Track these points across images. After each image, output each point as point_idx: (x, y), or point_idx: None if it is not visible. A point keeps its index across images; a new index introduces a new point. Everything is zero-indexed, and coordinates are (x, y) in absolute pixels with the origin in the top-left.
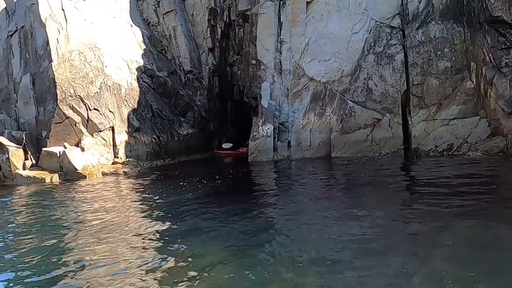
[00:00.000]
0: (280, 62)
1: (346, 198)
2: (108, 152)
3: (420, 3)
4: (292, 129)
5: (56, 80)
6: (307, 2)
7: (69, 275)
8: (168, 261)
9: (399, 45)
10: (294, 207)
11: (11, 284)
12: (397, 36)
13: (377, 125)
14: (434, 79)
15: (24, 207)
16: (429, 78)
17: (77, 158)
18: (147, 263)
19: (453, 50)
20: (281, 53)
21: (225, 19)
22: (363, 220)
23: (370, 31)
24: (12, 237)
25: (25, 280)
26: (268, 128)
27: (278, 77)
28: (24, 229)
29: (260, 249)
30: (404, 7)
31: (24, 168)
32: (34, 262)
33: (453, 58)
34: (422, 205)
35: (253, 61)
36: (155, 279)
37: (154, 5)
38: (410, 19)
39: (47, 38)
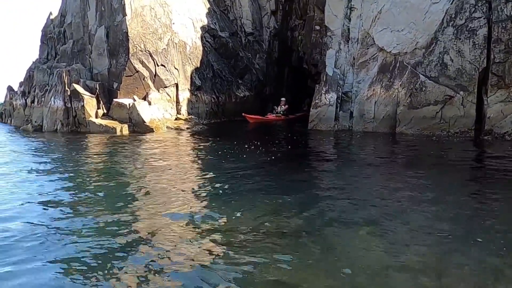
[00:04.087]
0: (348, 29)
1: (413, 175)
2: (171, 108)
3: None
4: (355, 99)
5: (129, 35)
6: None
7: (121, 220)
8: (215, 216)
9: (483, 18)
10: (357, 177)
11: (77, 220)
12: (482, 8)
13: (449, 102)
14: None
15: (97, 154)
16: None
17: (145, 111)
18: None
19: None
20: (350, 20)
21: None
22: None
23: (452, 1)
24: (83, 180)
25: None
26: (331, 97)
27: (345, 45)
28: (95, 173)
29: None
30: None
31: (96, 117)
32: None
33: None
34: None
35: (317, 27)
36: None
37: None
38: None
39: None
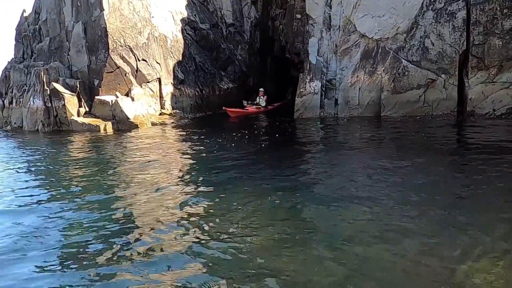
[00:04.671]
0: (330, 17)
1: (398, 156)
2: (155, 103)
3: None
4: (339, 87)
5: (107, 30)
6: None
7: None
8: (203, 206)
9: (462, 1)
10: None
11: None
12: None
13: (431, 85)
14: (497, 39)
15: (83, 152)
16: (492, 38)
17: (129, 107)
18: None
19: None
20: (330, 8)
21: None
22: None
23: None
24: (70, 176)
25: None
26: (316, 85)
27: (327, 32)
28: (85, 169)
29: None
30: None
31: (78, 115)
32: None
33: None
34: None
35: (298, 16)
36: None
37: None
38: None
39: None
